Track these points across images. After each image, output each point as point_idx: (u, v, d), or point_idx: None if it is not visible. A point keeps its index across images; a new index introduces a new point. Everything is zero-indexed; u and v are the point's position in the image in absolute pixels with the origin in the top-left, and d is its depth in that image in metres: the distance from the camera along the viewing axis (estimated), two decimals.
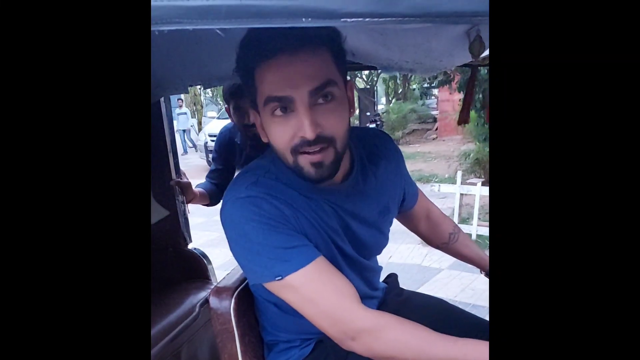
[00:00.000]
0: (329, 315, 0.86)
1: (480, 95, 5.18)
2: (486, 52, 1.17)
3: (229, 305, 1.07)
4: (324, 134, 0.85)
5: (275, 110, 0.84)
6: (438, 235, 1.37)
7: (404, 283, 1.34)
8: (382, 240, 1.13)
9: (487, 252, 1.34)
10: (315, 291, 0.86)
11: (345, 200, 0.99)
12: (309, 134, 0.83)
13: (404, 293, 1.28)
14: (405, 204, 1.23)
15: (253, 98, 0.89)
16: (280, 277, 0.86)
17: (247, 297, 1.13)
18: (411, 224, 1.36)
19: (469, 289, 3.54)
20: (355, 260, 1.04)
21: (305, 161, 0.87)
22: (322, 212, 0.95)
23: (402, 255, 4.42)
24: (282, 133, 0.86)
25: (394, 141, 1.20)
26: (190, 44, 1.17)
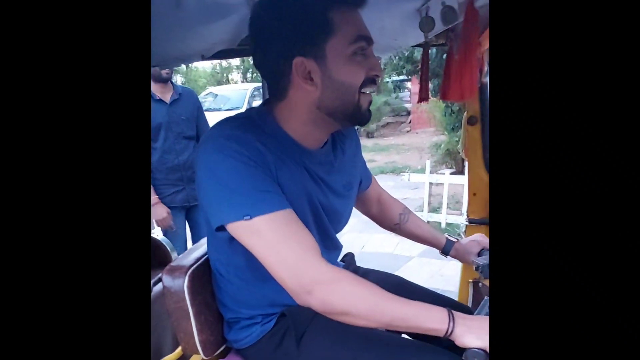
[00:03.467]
0: (289, 264, 0.86)
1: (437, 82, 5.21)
2: (437, 32, 1.19)
3: (182, 283, 1.06)
4: None
5: (358, 49, 0.93)
6: (389, 217, 1.41)
7: None
8: (347, 212, 1.17)
9: (446, 235, 1.37)
10: (280, 238, 0.87)
11: (318, 167, 1.03)
12: (380, 72, 0.97)
13: (360, 270, 1.30)
14: (361, 185, 1.28)
15: (320, 43, 0.92)
16: (248, 217, 0.86)
17: (202, 275, 1.13)
18: (364, 207, 1.41)
19: (438, 275, 3.59)
20: (324, 225, 1.07)
21: (365, 101, 0.97)
22: (300, 173, 0.99)
23: (375, 244, 4.45)
24: (359, 71, 0.94)
25: None
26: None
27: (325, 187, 1.05)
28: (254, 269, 0.99)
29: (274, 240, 0.87)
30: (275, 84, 0.98)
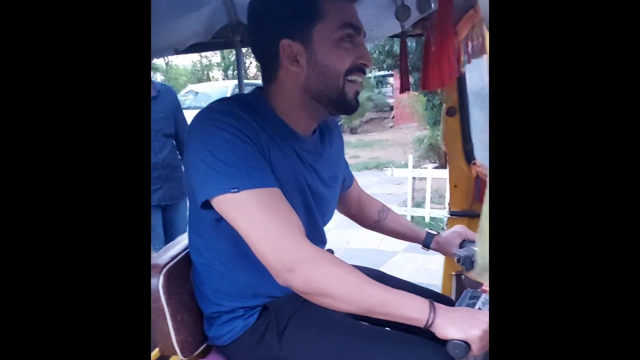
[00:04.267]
0: (272, 240, 0.85)
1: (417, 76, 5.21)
2: (413, 21, 1.18)
3: (157, 282, 1.04)
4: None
5: (345, 36, 0.95)
6: (368, 215, 1.41)
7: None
8: (333, 203, 1.18)
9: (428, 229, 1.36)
10: (266, 214, 0.86)
11: (308, 154, 1.04)
12: (369, 61, 0.99)
13: None
14: (344, 184, 1.29)
15: (307, 27, 0.94)
16: (236, 190, 0.86)
17: (179, 274, 1.10)
18: (345, 207, 1.41)
19: (422, 270, 3.60)
20: (313, 211, 1.07)
21: (351, 89, 0.98)
22: (291, 156, 1.00)
23: (360, 240, 4.46)
24: (345, 57, 0.95)
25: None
26: None
27: (314, 174, 1.06)
28: (238, 255, 0.99)
29: (260, 215, 0.86)
30: (266, 65, 1.01)
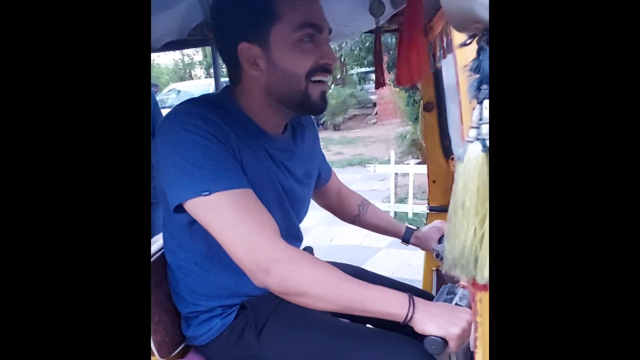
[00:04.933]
0: (247, 240, 0.85)
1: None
2: (388, 16, 1.17)
3: None
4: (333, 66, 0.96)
5: (305, 36, 0.91)
6: (348, 209, 1.41)
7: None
8: (307, 200, 1.17)
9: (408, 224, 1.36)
10: (239, 215, 0.85)
11: (279, 153, 1.03)
12: (333, 60, 0.95)
13: None
14: (321, 178, 1.28)
15: (264, 29, 0.91)
16: (207, 193, 0.85)
17: (154, 274, 1.09)
18: (325, 200, 1.40)
19: (405, 265, 3.61)
20: (288, 210, 1.06)
21: (316, 90, 0.95)
22: (262, 155, 0.98)
23: (343, 237, 4.46)
24: (306, 58, 0.92)
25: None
26: None
27: (287, 172, 1.04)
28: (213, 256, 0.98)
29: (233, 217, 0.85)
30: (230, 68, 0.99)
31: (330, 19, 1.20)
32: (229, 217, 0.85)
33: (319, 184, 1.29)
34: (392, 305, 0.84)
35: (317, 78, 0.94)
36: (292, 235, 1.11)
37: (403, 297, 0.84)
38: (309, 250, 1.31)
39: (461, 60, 0.52)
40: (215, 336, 1.04)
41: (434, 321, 0.82)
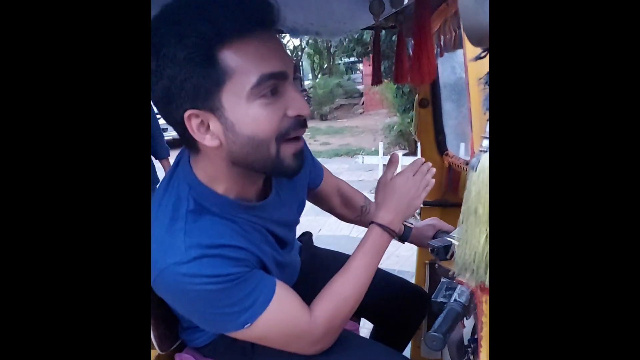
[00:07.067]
0: (295, 336, 0.87)
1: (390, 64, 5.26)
2: (386, 14, 1.18)
3: None
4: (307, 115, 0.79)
5: (266, 91, 0.73)
6: (351, 209, 1.36)
7: None
8: (297, 223, 1.15)
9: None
10: (281, 324, 0.85)
11: (272, 212, 0.94)
12: (307, 110, 0.77)
13: (319, 250, 1.33)
14: (314, 181, 1.22)
15: (211, 91, 0.72)
16: (248, 325, 0.81)
17: None
18: (325, 203, 1.33)
19: (394, 256, 3.64)
20: (282, 260, 1.01)
21: (288, 151, 0.78)
22: (254, 231, 0.89)
23: (331, 227, 4.49)
24: (272, 117, 0.74)
25: None
26: None
27: (280, 227, 0.98)
28: None
29: (277, 329, 0.85)
30: (182, 136, 0.79)
31: (329, 16, 1.22)
32: (275, 331, 0.85)
33: (311, 188, 1.21)
34: (381, 247, 0.95)
35: (290, 135, 0.77)
36: (288, 272, 1.09)
37: (376, 233, 0.95)
38: (307, 236, 1.31)
39: (473, 72, 0.54)
40: (209, 341, 1.04)
41: (403, 214, 0.98)
